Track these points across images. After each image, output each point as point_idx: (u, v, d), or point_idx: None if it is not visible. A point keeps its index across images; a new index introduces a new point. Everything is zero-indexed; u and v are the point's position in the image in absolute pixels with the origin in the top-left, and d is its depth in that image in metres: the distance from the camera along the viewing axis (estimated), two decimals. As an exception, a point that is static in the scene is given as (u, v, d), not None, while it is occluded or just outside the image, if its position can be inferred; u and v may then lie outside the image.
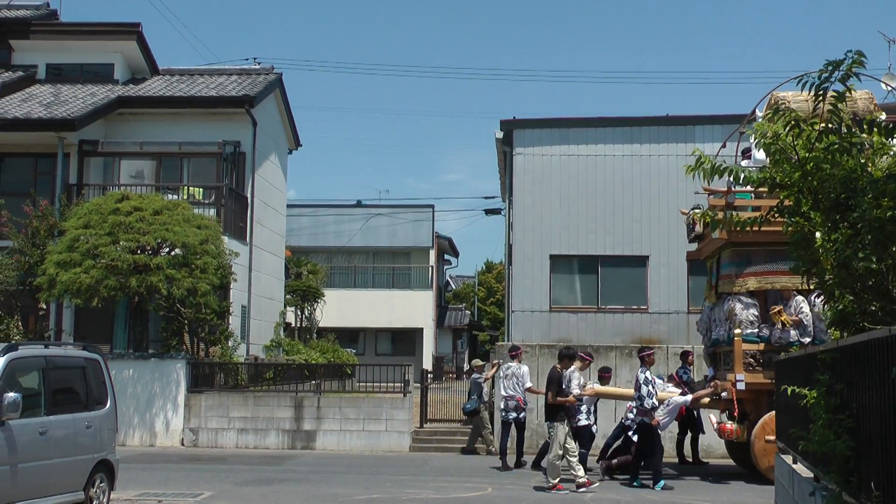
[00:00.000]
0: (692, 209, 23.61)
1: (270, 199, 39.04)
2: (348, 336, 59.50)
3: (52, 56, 37.64)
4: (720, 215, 13.65)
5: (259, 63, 41.01)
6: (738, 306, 21.93)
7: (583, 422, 22.25)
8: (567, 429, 20.66)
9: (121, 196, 29.70)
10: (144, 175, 34.46)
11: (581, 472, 20.48)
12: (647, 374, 21.42)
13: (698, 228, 23.05)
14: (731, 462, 25.49)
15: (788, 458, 14.03)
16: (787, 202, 11.72)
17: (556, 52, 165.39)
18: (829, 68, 9.70)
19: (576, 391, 21.13)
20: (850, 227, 10.13)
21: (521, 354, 25.92)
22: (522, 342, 29.41)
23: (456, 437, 29.62)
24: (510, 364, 25.34)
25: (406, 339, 61.79)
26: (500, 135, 31.68)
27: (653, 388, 21.27)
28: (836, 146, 10.54)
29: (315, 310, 47.68)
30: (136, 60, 37.83)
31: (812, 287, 12.04)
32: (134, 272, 27.83)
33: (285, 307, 42.61)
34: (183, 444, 28.70)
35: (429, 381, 32.52)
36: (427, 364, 53.54)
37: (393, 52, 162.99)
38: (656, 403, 21.45)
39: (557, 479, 20.27)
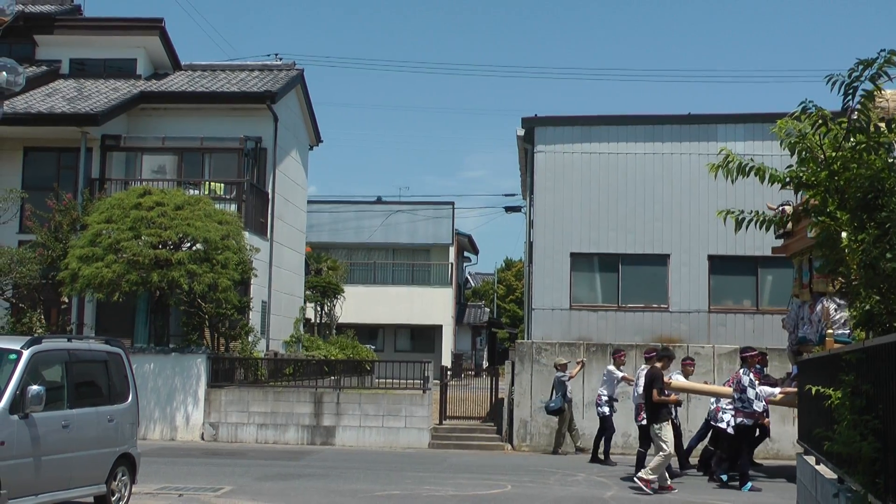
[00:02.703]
0: (780, 205, 23.19)
1: (291, 194, 39.09)
2: (367, 332, 59.51)
3: (76, 51, 37.76)
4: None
5: (281, 59, 41.10)
6: (833, 307, 21.67)
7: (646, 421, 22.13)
8: (670, 427, 20.72)
9: (143, 191, 29.77)
10: (166, 170, 34.55)
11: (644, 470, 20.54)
12: (750, 375, 21.24)
13: (790, 225, 22.62)
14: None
15: (811, 459, 13.97)
16: (812, 201, 11.68)
17: (579, 50, 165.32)
18: (860, 67, 9.65)
19: (641, 390, 21.02)
20: (877, 226, 10.07)
21: (620, 357, 26.33)
22: (543, 340, 29.40)
23: (475, 435, 29.62)
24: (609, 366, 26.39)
25: (425, 336, 61.76)
26: (521, 132, 31.62)
27: (761, 391, 21.11)
28: (864, 145, 10.50)
29: (335, 306, 47.73)
30: (158, 56, 37.90)
31: (841, 287, 11.98)
32: (155, 267, 27.90)
33: (305, 303, 42.66)
34: (203, 439, 28.76)
35: (448, 378, 32.47)
36: (446, 361, 53.56)
37: (415, 49, 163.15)
38: (766, 406, 21.35)
39: (655, 477, 20.16)
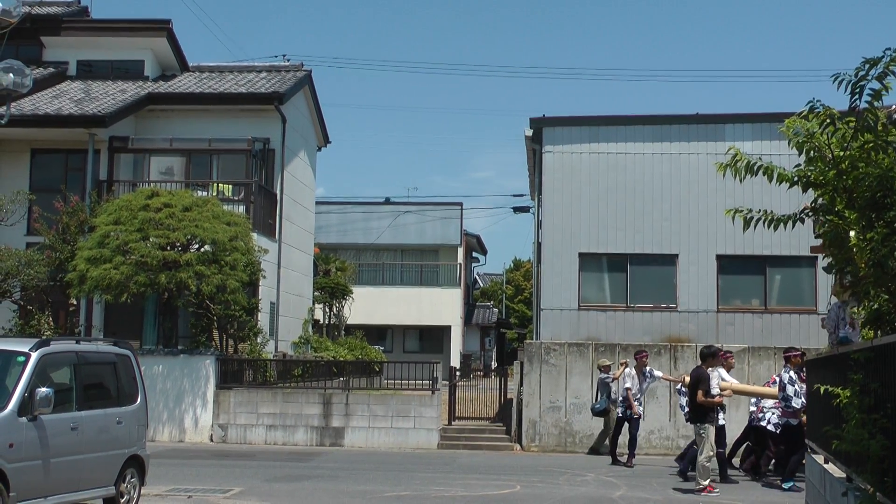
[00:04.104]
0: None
1: (299, 195, 39.10)
2: (376, 333, 59.52)
3: (83, 53, 37.79)
4: None
5: (288, 60, 41.10)
6: None
7: (720, 421, 22.01)
8: (713, 429, 20.63)
9: (151, 192, 29.77)
10: (174, 171, 34.54)
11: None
12: (792, 374, 21.15)
13: None
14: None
15: (819, 458, 13.96)
16: (820, 200, 11.67)
17: (587, 50, 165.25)
18: (867, 66, 9.65)
19: (715, 390, 20.99)
20: (885, 225, 10.07)
21: (642, 359, 26.02)
22: (551, 340, 29.38)
23: (484, 435, 29.61)
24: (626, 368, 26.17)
25: (434, 337, 61.76)
26: (529, 133, 31.60)
27: (799, 388, 21.02)
28: (872, 144, 10.49)
29: (343, 307, 47.74)
30: (166, 57, 37.92)
31: (848, 286, 11.95)
32: (163, 268, 27.91)
33: (314, 304, 42.66)
34: (212, 440, 28.77)
35: (457, 378, 32.45)
36: (455, 361, 53.54)
37: (422, 49, 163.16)
38: (805, 403, 21.29)
39: (708, 481, 20.11)
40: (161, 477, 19.72)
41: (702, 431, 20.34)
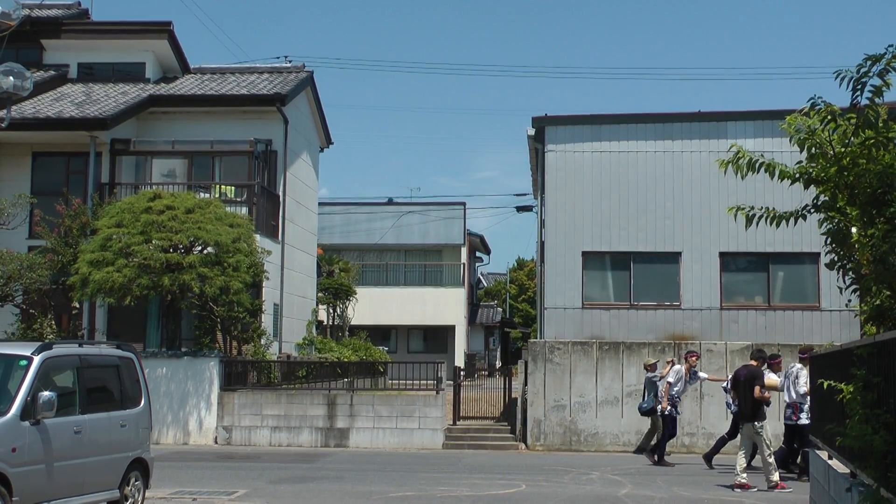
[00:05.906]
0: None
1: (302, 197, 39.09)
2: (380, 334, 59.50)
3: (84, 55, 37.77)
4: None
5: (290, 61, 41.10)
6: None
7: (804, 420, 21.91)
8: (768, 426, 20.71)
9: (153, 195, 29.76)
10: (176, 174, 34.51)
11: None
12: None
13: None
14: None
15: (824, 454, 13.94)
16: (822, 197, 11.66)
17: (589, 49, 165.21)
18: (868, 62, 9.64)
19: (803, 389, 20.97)
20: (886, 221, 10.06)
21: (693, 358, 25.89)
22: (555, 339, 29.35)
23: (489, 435, 29.59)
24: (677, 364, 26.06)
25: (438, 337, 61.71)
26: (531, 132, 31.59)
27: None
28: (872, 141, 10.48)
29: (347, 307, 47.72)
30: (167, 59, 37.91)
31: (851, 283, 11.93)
32: (166, 271, 27.90)
33: (317, 305, 42.64)
34: (216, 443, 28.76)
35: (461, 378, 32.41)
36: (459, 361, 53.53)
37: (424, 49, 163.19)
38: None
39: (777, 476, 20.19)
40: (165, 479, 19.72)
41: (759, 430, 20.33)
